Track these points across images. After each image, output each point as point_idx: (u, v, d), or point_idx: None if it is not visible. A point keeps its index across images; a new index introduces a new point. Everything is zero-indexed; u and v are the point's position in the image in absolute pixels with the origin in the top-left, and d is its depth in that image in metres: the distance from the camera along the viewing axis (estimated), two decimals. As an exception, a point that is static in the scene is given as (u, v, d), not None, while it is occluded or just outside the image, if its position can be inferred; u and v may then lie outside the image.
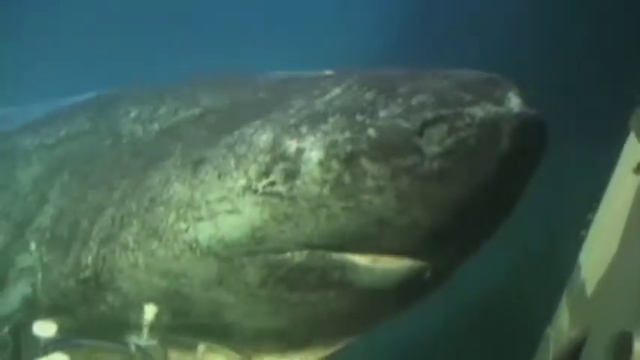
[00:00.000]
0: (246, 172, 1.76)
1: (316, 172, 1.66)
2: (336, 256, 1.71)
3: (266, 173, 1.73)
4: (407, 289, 1.79)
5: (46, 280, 2.06)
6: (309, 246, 1.70)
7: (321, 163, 1.66)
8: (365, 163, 1.61)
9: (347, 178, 1.62)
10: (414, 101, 1.66)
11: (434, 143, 1.59)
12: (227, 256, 1.74)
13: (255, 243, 1.71)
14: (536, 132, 1.66)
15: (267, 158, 1.74)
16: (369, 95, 1.73)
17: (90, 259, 1.95)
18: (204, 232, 1.77)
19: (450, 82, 1.70)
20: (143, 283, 1.86)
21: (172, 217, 1.84)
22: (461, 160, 1.59)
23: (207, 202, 1.79)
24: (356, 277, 1.73)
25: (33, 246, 2.16)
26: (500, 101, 1.62)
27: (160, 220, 1.86)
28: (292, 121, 1.78)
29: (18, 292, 2.09)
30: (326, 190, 1.64)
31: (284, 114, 1.82)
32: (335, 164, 1.64)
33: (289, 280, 1.73)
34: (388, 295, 1.81)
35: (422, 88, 1.69)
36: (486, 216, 1.73)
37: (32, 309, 2.07)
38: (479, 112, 1.59)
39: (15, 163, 2.46)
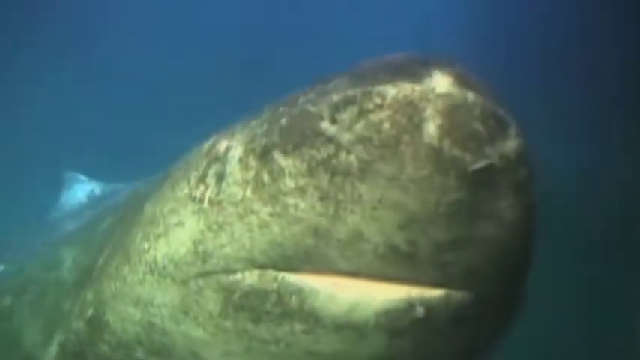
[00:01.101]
0: (189, 179, 1.63)
1: (237, 172, 1.48)
2: (290, 277, 1.44)
3: (202, 178, 1.59)
4: (414, 333, 1.44)
5: (69, 327, 1.96)
6: (255, 264, 1.45)
7: (240, 160, 1.49)
8: (279, 157, 1.40)
9: (265, 177, 1.41)
10: (330, 85, 1.47)
11: (345, 130, 1.34)
12: (182, 278, 1.56)
13: (201, 261, 1.52)
14: (474, 118, 1.32)
15: (204, 162, 1.62)
16: (305, 88, 1.56)
17: (90, 296, 1.87)
18: (160, 250, 1.62)
19: (377, 63, 1.48)
20: (122, 314, 1.71)
21: (139, 236, 1.73)
22: (379, 149, 1.32)
23: (163, 217, 1.66)
24: (319, 306, 1.42)
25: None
26: (419, 79, 1.34)
27: (130, 241, 1.75)
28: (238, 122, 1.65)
29: (55, 342, 2.01)
30: (249, 193, 1.43)
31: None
32: (252, 161, 1.45)
33: (249, 309, 1.47)
34: (382, 341, 1.44)
35: (347, 72, 1.49)
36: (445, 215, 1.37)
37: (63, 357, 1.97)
38: (391, 90, 1.32)
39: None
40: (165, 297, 1.59)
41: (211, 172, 1.58)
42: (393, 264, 1.39)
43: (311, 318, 1.43)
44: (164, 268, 1.60)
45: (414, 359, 1.50)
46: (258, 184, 1.43)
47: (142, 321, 1.66)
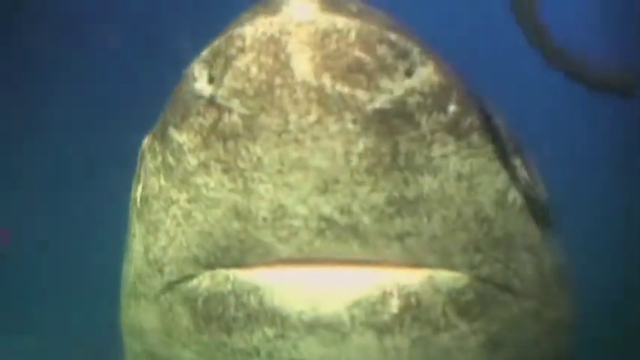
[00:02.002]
0: (134, 182, 1.49)
1: (149, 161, 1.34)
2: (241, 274, 1.26)
3: (136, 176, 1.45)
4: (406, 329, 1.22)
5: None
6: (201, 263, 1.28)
7: (149, 147, 1.35)
8: (173, 134, 1.23)
9: (170, 159, 1.25)
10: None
11: (219, 87, 1.16)
12: (152, 296, 1.39)
13: (157, 271, 1.35)
14: (352, 46, 1.11)
15: (139, 158, 1.46)
16: None
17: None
18: (128, 268, 1.49)
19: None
20: (127, 343, 1.56)
21: (123, 257, 1.59)
22: (256, 100, 1.14)
23: (129, 231, 1.52)
24: (279, 305, 1.22)
25: None
26: (277, 11, 1.14)
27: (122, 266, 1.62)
28: None
29: None
30: (163, 181, 1.28)
31: None
32: (156, 145, 1.31)
33: (216, 318, 1.27)
34: (371, 341, 1.23)
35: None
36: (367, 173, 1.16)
37: None
38: (249, 29, 1.14)
39: None
40: (147, 322, 1.41)
41: (139, 167, 1.43)
42: (339, 242, 1.18)
43: (277, 319, 1.22)
44: (136, 287, 1.43)
45: None
46: (167, 169, 1.27)
47: (142, 351, 1.49)
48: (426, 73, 1.15)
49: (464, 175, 1.19)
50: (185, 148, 1.21)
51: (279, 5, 1.14)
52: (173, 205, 1.27)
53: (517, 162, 1.30)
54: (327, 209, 1.17)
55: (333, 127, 1.12)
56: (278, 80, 1.12)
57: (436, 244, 1.21)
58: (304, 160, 1.14)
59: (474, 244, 1.22)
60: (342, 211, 1.17)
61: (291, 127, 1.13)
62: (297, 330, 1.22)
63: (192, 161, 1.21)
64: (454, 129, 1.18)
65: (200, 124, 1.18)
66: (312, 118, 1.12)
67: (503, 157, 1.25)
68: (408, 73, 1.14)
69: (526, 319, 1.32)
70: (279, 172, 1.15)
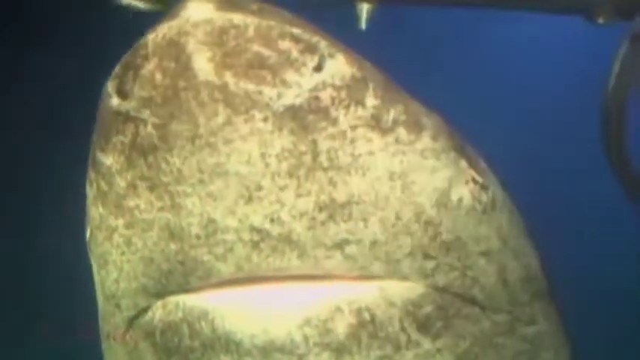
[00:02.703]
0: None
1: (88, 190, 1.26)
2: (189, 299, 1.19)
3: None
4: (366, 346, 1.15)
5: None
6: (151, 292, 1.22)
7: (87, 177, 1.26)
8: (101, 157, 1.18)
9: (103, 184, 1.20)
10: None
11: (130, 99, 1.11)
12: (117, 334, 1.33)
13: (115, 307, 1.29)
14: (251, 41, 1.07)
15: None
16: None
17: None
18: (99, 308, 1.40)
19: None
20: None
21: None
22: (164, 107, 1.09)
23: None
24: (230, 329, 1.16)
25: None
26: (175, 15, 1.10)
27: None
28: None
29: None
30: (100, 209, 1.22)
31: None
32: (91, 173, 1.24)
33: (175, 350, 1.22)
34: None
35: None
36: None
37: None
38: (150, 36, 1.10)
39: None
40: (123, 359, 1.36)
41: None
42: (277, 255, 1.12)
43: (232, 345, 1.16)
44: (104, 328, 1.37)
45: None
46: (102, 197, 1.20)
47: None
48: (336, 66, 1.10)
49: (395, 173, 1.12)
50: (113, 170, 1.16)
51: (179, 10, 1.10)
52: (114, 234, 1.21)
53: (461, 162, 1.20)
54: (256, 219, 1.11)
55: (244, 128, 1.07)
56: (182, 83, 1.07)
57: (379, 250, 1.13)
58: (221, 165, 1.08)
59: (422, 249, 1.15)
60: (272, 221, 1.10)
61: (201, 131, 1.07)
62: (252, 356, 1.16)
63: (121, 183, 1.16)
64: (377, 124, 1.11)
65: (121, 142, 1.13)
66: (220, 119, 1.07)
67: (441, 154, 1.17)
68: (318, 68, 1.09)
69: (500, 336, 1.23)
70: (201, 181, 1.10)
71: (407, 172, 1.13)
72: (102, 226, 1.22)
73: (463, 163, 1.21)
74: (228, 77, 1.06)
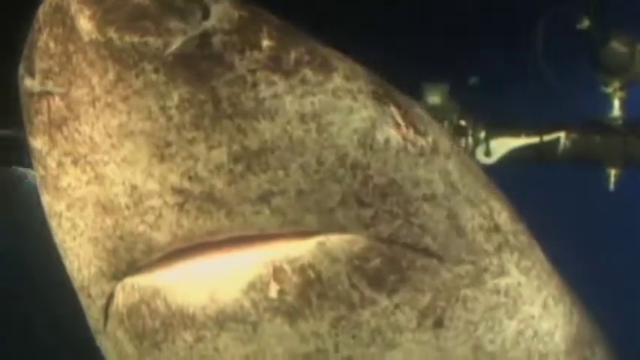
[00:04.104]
0: None
1: (37, 180, 1.27)
2: (142, 279, 1.17)
3: None
4: (315, 305, 1.10)
5: None
6: (108, 276, 1.20)
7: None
8: (32, 142, 1.19)
9: (41, 170, 1.19)
10: None
11: (36, 76, 1.12)
12: (97, 330, 1.30)
13: (88, 298, 1.27)
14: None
15: None
16: None
17: None
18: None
19: None
20: None
21: None
22: (61, 75, 1.09)
23: None
24: (183, 303, 1.14)
25: None
26: None
27: None
28: None
29: None
30: (46, 197, 1.22)
31: None
32: (34, 161, 1.23)
33: (142, 334, 1.21)
34: (285, 328, 1.11)
35: None
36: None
37: None
38: (40, 8, 1.11)
39: None
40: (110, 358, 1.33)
41: None
42: (205, 215, 1.08)
43: (188, 320, 1.14)
44: (90, 325, 1.34)
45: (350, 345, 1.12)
46: (42, 183, 1.20)
47: None
48: (222, 9, 1.07)
49: (307, 115, 1.08)
50: (43, 152, 1.15)
51: None
52: (62, 219, 1.19)
53: (385, 105, 1.15)
54: (174, 179, 1.07)
55: (137, 82, 1.04)
56: (71, 47, 1.06)
57: (307, 200, 1.08)
58: (125, 125, 1.06)
59: (354, 195, 1.10)
60: (190, 178, 1.07)
61: (98, 92, 1.05)
62: (210, 328, 1.13)
63: (51, 164, 1.14)
64: (277, 66, 1.08)
65: (41, 121, 1.12)
66: (111, 76, 1.04)
67: (357, 95, 1.13)
68: (204, 14, 1.06)
69: (466, 288, 1.18)
70: (113, 146, 1.07)
71: (320, 114, 1.08)
72: (51, 213, 1.21)
73: (390, 107, 1.16)
74: (111, 32, 1.04)
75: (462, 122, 2.53)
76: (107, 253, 1.17)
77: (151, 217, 1.10)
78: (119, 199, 1.10)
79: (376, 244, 1.11)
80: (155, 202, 1.08)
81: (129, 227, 1.12)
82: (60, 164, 1.13)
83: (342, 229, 1.10)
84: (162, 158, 1.06)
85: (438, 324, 1.16)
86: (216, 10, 1.07)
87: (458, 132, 2.49)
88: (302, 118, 1.08)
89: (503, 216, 1.27)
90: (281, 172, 1.07)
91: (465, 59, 3.39)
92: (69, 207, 1.16)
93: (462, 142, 2.50)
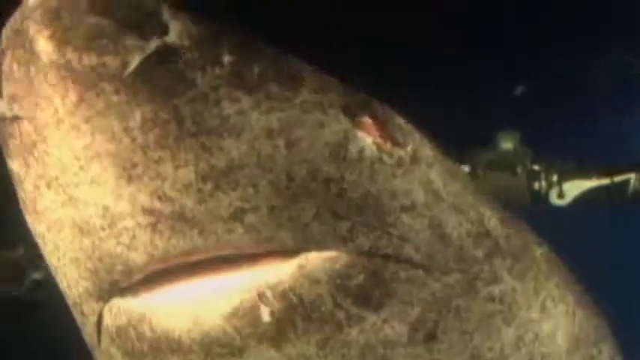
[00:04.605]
0: None
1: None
2: (127, 302, 1.16)
3: None
4: (301, 331, 1.09)
5: None
6: (95, 297, 1.19)
7: None
8: (10, 166, 1.18)
9: (21, 193, 1.19)
10: None
11: (3, 100, 1.11)
12: (93, 345, 1.30)
13: (80, 314, 1.26)
14: (86, 13, 1.06)
15: None
16: None
17: None
18: None
19: None
20: None
21: None
22: (26, 99, 1.10)
23: None
24: (167, 328, 1.13)
25: None
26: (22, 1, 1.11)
27: None
28: None
29: None
30: (30, 219, 1.22)
31: None
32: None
33: (135, 355, 1.19)
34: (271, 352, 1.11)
35: None
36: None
37: None
38: (3, 31, 1.11)
39: None
40: None
41: None
42: (179, 236, 1.07)
43: (174, 345, 1.13)
44: (87, 341, 1.33)
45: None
46: (24, 205, 1.20)
47: None
48: (181, 25, 1.06)
49: (274, 130, 1.06)
50: (21, 175, 1.15)
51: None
52: (45, 240, 1.20)
53: (358, 116, 1.14)
54: (144, 199, 1.06)
55: (99, 103, 1.03)
56: (32, 69, 1.06)
57: (281, 216, 1.07)
58: (90, 147, 1.05)
59: (328, 209, 1.08)
60: (159, 198, 1.06)
61: (61, 114, 1.05)
62: (195, 351, 1.13)
63: (28, 187, 1.14)
64: (240, 82, 1.06)
65: (15, 145, 1.12)
66: (73, 97, 1.04)
67: (328, 109, 1.11)
68: (163, 31, 1.05)
69: (458, 298, 1.15)
70: (81, 168, 1.07)
71: (288, 129, 1.07)
72: (35, 234, 1.21)
73: (363, 119, 1.15)
74: (69, 53, 1.03)
75: (535, 167, 2.63)
76: (90, 274, 1.16)
77: (125, 238, 1.09)
78: (93, 220, 1.09)
79: (356, 259, 1.09)
80: (128, 222, 1.08)
81: (106, 248, 1.11)
82: (36, 187, 1.13)
83: (319, 244, 1.08)
84: (129, 179, 1.05)
85: (431, 336, 1.14)
86: (174, 26, 1.06)
87: (531, 176, 2.60)
88: (269, 134, 1.06)
89: (493, 221, 1.24)
90: (251, 190, 1.06)
91: (536, 107, 3.48)
92: (49, 229, 1.16)
93: (536, 185, 2.61)
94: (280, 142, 1.06)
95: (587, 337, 1.36)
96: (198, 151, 1.04)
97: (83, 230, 1.10)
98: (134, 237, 1.08)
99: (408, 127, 1.22)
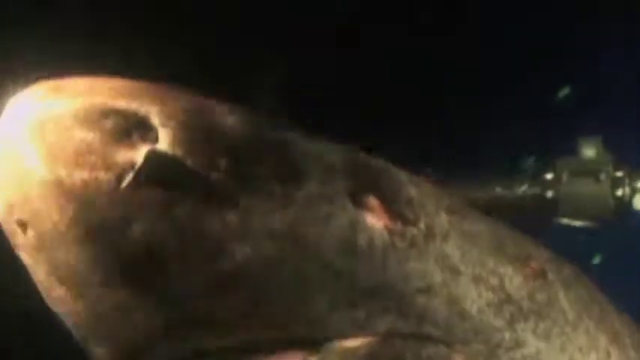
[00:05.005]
0: None
1: None
2: None
3: None
4: None
5: None
6: None
7: None
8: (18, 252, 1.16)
9: (34, 277, 1.16)
10: None
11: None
12: None
13: None
14: (70, 128, 1.04)
15: None
16: None
17: None
18: None
19: None
20: None
21: None
22: (26, 209, 1.06)
23: None
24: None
25: None
26: (6, 114, 1.10)
27: None
28: None
29: None
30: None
31: None
32: None
33: None
34: None
35: None
36: None
37: None
38: None
39: None
40: None
41: None
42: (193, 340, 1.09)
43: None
44: None
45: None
46: (40, 289, 1.19)
47: None
48: (171, 133, 1.03)
49: (278, 231, 1.04)
50: (32, 267, 1.13)
51: (9, 109, 1.08)
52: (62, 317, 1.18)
53: (365, 199, 1.11)
54: (153, 304, 1.06)
55: (94, 218, 1.02)
56: (26, 184, 1.04)
57: (296, 312, 1.07)
58: (93, 257, 1.03)
59: (344, 300, 1.08)
60: (169, 304, 1.06)
61: (59, 228, 1.03)
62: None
63: (40, 277, 1.12)
64: (238, 185, 1.04)
65: (18, 242, 1.11)
66: (68, 214, 1.02)
67: (334, 198, 1.08)
68: (154, 140, 1.03)
69: None
70: (89, 272, 1.06)
71: (294, 228, 1.05)
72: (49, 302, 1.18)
73: (371, 202, 1.12)
74: (60, 170, 1.01)
75: (618, 173, 2.62)
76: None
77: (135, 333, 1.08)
78: (105, 314, 1.07)
79: (375, 343, 1.09)
80: (139, 321, 1.06)
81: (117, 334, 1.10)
82: (47, 279, 1.10)
83: (338, 333, 1.08)
84: (133, 284, 1.04)
85: None
86: (164, 134, 1.03)
87: (615, 183, 2.59)
88: (271, 235, 1.03)
89: (515, 282, 1.22)
90: (262, 289, 1.04)
91: (618, 111, 3.44)
92: (64, 315, 1.14)
93: (620, 192, 2.60)
94: (286, 243, 1.04)
95: None
96: (202, 259, 1.03)
97: (96, 320, 1.09)
98: (145, 334, 1.07)
99: (420, 197, 1.18)
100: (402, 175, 1.19)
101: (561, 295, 1.28)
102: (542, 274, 1.27)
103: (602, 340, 1.30)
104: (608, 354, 1.29)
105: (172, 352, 1.07)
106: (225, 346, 1.06)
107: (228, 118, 1.08)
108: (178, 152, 1.02)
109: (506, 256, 1.24)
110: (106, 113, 1.03)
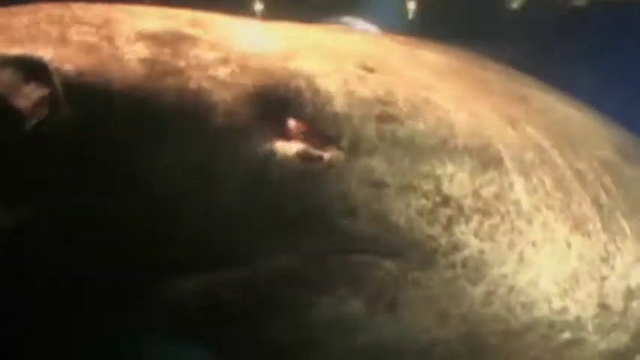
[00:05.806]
0: None
1: None
2: None
3: None
4: None
5: None
6: None
7: None
8: None
9: None
10: None
11: None
12: None
13: None
14: None
15: None
16: None
17: None
18: None
19: None
20: None
21: None
22: None
23: None
24: None
25: None
26: None
27: None
28: None
29: None
30: None
31: None
32: None
33: None
34: None
35: None
36: None
37: None
38: None
39: None
40: None
41: None
42: None
43: None
44: None
45: None
46: None
47: None
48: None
49: (190, 169, 1.12)
50: None
51: None
52: None
53: (281, 122, 1.14)
54: None
55: None
56: None
57: (222, 239, 1.15)
58: None
59: (270, 226, 1.14)
60: None
61: None
62: None
63: None
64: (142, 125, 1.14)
65: None
66: None
67: (242, 130, 1.11)
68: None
69: (417, 271, 1.18)
70: None
71: (203, 166, 1.10)
72: None
73: (286, 121, 1.14)
74: None
75: None
76: None
77: None
78: None
79: (301, 259, 1.14)
80: None
81: None
82: None
83: (268, 255, 1.14)
84: None
85: (392, 307, 1.15)
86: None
87: None
88: (186, 173, 1.11)
89: (457, 180, 1.18)
90: (177, 220, 1.16)
91: None
92: None
93: None
94: (200, 181, 1.08)
95: (592, 262, 1.26)
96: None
97: None
98: None
99: (346, 110, 1.14)
100: (332, 86, 1.17)
101: (518, 185, 1.21)
102: (497, 161, 1.20)
103: (562, 231, 1.24)
104: (568, 244, 1.24)
105: None
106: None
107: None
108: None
109: (450, 154, 1.18)
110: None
